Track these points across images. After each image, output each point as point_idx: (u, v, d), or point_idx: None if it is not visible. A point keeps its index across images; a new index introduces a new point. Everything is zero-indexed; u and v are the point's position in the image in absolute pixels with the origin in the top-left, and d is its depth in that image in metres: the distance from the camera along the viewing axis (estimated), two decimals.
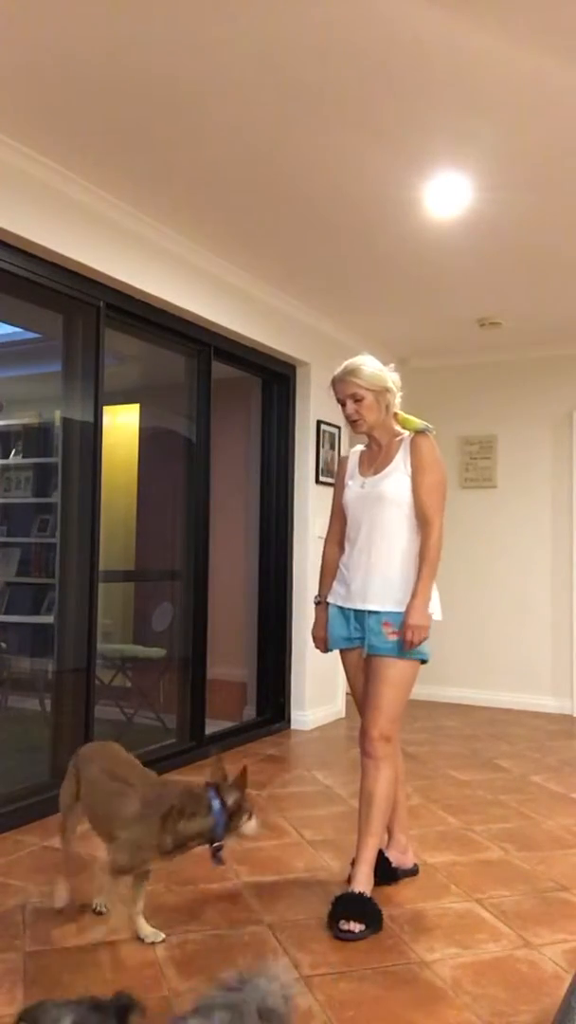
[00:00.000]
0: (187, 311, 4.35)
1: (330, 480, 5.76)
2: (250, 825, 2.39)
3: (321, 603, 2.98)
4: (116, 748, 2.66)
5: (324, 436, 5.70)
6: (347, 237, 4.16)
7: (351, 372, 2.80)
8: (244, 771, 2.40)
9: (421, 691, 6.15)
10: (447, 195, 3.64)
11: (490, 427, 6.50)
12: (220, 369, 4.91)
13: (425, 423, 2.83)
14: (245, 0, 2.39)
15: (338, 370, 2.85)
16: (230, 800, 2.35)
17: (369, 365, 2.81)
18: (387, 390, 2.80)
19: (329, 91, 2.85)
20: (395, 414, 2.86)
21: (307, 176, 3.50)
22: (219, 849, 2.35)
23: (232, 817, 2.34)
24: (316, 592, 3.05)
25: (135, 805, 2.35)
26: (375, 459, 2.87)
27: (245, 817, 2.37)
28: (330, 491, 5.72)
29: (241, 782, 2.39)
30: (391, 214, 3.85)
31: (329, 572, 2.98)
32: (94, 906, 2.62)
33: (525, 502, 6.36)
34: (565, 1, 2.37)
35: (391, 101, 2.90)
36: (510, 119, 3.01)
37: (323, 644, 2.96)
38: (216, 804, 2.33)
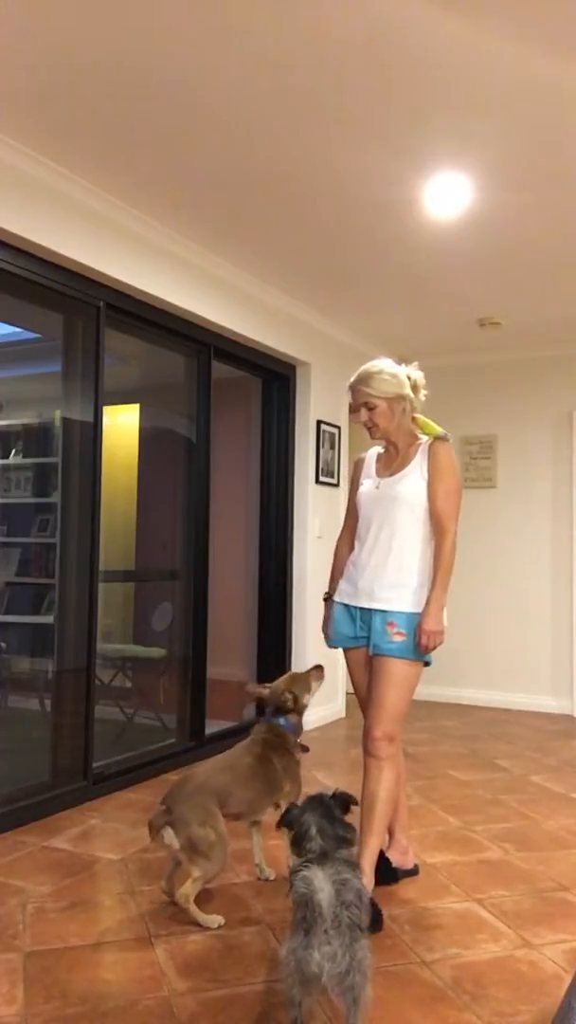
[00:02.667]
0: (187, 311, 4.35)
1: (330, 480, 5.76)
2: (307, 698, 3.01)
3: (329, 599, 3.00)
4: (192, 779, 2.76)
5: (324, 436, 5.70)
6: (347, 237, 4.16)
7: (362, 381, 2.79)
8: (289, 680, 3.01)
9: (421, 691, 6.14)
10: (447, 195, 3.64)
11: (490, 427, 6.50)
12: (220, 369, 4.91)
13: (444, 430, 2.82)
14: (245, 1, 2.39)
15: (352, 377, 2.83)
16: (289, 709, 2.97)
17: (382, 372, 2.78)
18: (401, 397, 2.78)
19: (329, 92, 2.85)
20: (414, 418, 2.85)
21: (307, 176, 3.50)
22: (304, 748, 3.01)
23: (295, 711, 2.97)
24: (325, 590, 3.08)
25: (252, 774, 2.79)
26: (392, 462, 2.87)
27: (301, 698, 2.98)
28: (330, 491, 5.77)
29: (285, 688, 2.98)
30: (391, 214, 3.85)
31: (340, 570, 3.00)
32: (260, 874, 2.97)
33: (525, 502, 6.36)
34: (565, 1, 2.37)
35: (391, 101, 2.90)
36: (510, 119, 3.01)
37: (329, 640, 2.99)
38: (283, 722, 2.94)
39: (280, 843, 3.12)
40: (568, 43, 2.56)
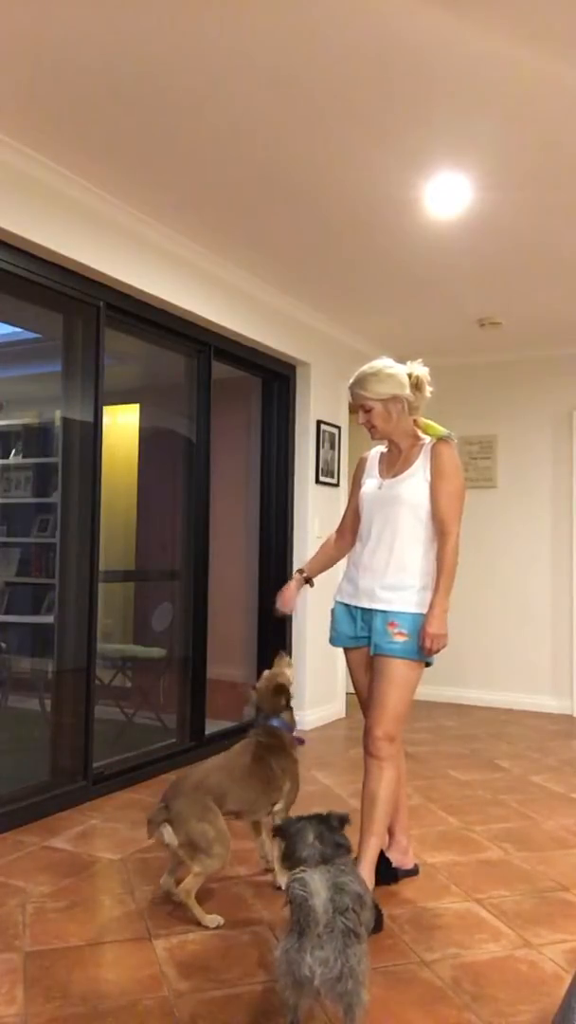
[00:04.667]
0: (187, 311, 4.35)
1: (330, 480, 5.76)
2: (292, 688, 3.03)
3: (299, 576, 3.05)
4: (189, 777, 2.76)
5: (324, 436, 5.70)
6: (347, 237, 4.16)
7: (358, 383, 2.79)
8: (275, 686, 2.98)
9: (421, 691, 6.13)
10: (447, 195, 3.64)
11: (490, 427, 6.50)
12: (220, 369, 4.91)
13: (448, 431, 2.81)
14: (246, 3, 2.39)
15: (351, 379, 2.84)
16: (281, 708, 2.98)
17: (378, 373, 2.77)
18: (397, 397, 2.76)
19: (329, 91, 2.85)
20: (415, 419, 2.85)
21: (307, 176, 3.50)
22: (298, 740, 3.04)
23: (284, 709, 2.99)
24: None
25: (249, 773, 2.79)
26: (395, 462, 2.86)
27: (283, 700, 2.98)
28: (330, 491, 5.77)
29: (268, 691, 2.98)
30: (391, 214, 3.85)
31: (323, 555, 3.08)
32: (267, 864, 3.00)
33: (525, 502, 6.36)
34: (565, 1, 2.37)
35: (391, 101, 2.90)
36: (510, 119, 3.01)
37: (283, 607, 3.02)
38: (279, 723, 2.95)
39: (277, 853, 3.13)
40: (568, 43, 2.56)
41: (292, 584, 3.04)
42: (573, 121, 3.02)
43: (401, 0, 2.37)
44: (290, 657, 3.12)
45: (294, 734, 3.01)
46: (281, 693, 2.97)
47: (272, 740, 2.91)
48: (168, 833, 2.57)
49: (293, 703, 3.05)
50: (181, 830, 2.56)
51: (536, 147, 3.21)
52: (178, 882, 2.64)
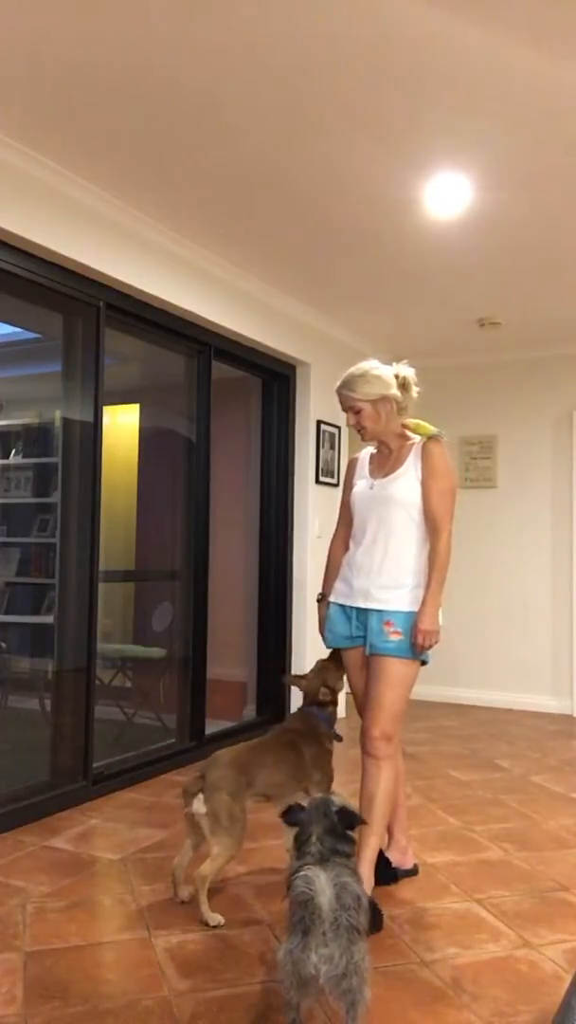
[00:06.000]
0: (187, 311, 4.35)
1: (330, 480, 5.76)
2: (340, 685, 3.08)
3: (324, 599, 3.01)
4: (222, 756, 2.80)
5: (324, 436, 5.70)
6: (347, 237, 4.16)
7: (345, 385, 2.81)
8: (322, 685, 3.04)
9: (421, 691, 6.14)
10: (447, 195, 3.64)
11: (490, 427, 6.50)
12: (220, 369, 4.91)
13: (437, 429, 2.82)
14: (246, 2, 2.39)
15: (338, 382, 2.84)
16: (326, 703, 3.05)
17: (365, 375, 2.78)
18: (385, 398, 2.77)
19: (329, 92, 2.85)
20: (405, 420, 2.85)
21: (307, 176, 3.50)
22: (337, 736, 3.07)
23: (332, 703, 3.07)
24: (319, 591, 3.08)
25: (280, 758, 2.85)
26: (385, 462, 2.87)
27: (328, 694, 3.04)
28: (330, 491, 5.77)
29: (319, 684, 3.05)
30: (391, 214, 3.85)
31: (333, 570, 3.01)
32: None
33: (525, 502, 6.36)
34: (564, 1, 2.37)
35: (391, 101, 2.90)
36: (510, 119, 3.01)
37: (327, 642, 2.99)
38: (320, 715, 3.02)
39: (281, 843, 3.13)
40: (568, 43, 2.56)
41: (321, 614, 3.03)
42: (573, 121, 3.02)
43: (401, 0, 2.37)
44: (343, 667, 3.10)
45: (334, 727, 3.05)
46: (327, 686, 3.03)
47: (307, 727, 2.96)
48: (199, 801, 2.62)
49: (292, 708, 3.07)
50: (211, 799, 2.61)
51: (536, 147, 3.21)
52: (187, 878, 2.66)
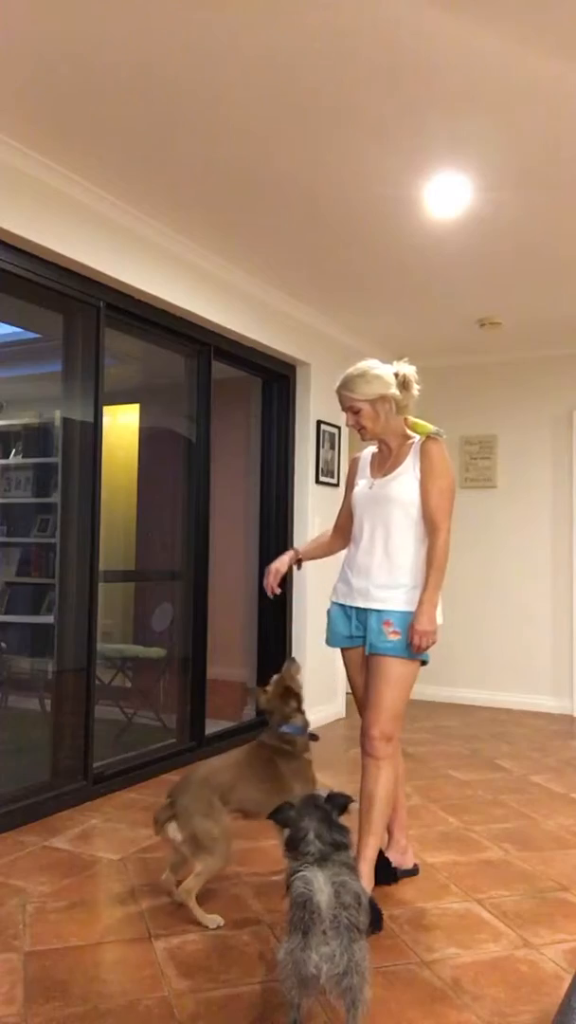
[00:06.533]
0: (187, 311, 4.35)
1: (330, 480, 5.76)
2: (301, 691, 3.01)
3: (293, 552, 3.08)
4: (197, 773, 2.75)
5: (324, 436, 5.70)
6: (347, 237, 4.16)
7: (344, 385, 2.82)
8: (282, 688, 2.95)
9: (421, 691, 6.15)
10: (447, 195, 3.64)
11: (490, 427, 6.50)
12: (220, 369, 4.91)
13: (437, 428, 2.82)
14: (246, 3, 2.39)
15: (338, 382, 2.85)
16: (292, 713, 2.94)
17: (364, 375, 2.78)
18: (384, 397, 2.77)
19: (329, 92, 2.85)
20: (404, 418, 2.85)
21: (307, 176, 3.50)
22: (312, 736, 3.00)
23: (296, 712, 2.95)
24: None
25: (257, 773, 2.79)
26: (385, 461, 2.87)
27: (294, 704, 2.94)
28: (330, 491, 5.77)
29: (278, 697, 2.95)
30: (391, 214, 3.85)
31: (318, 543, 3.14)
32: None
33: (525, 502, 6.36)
34: (564, 1, 2.37)
35: (391, 102, 2.90)
36: (510, 119, 3.01)
37: (272, 577, 3.00)
38: (291, 728, 2.91)
39: (271, 844, 3.12)
40: (568, 43, 2.56)
41: (285, 558, 3.04)
42: (573, 121, 3.02)
43: (401, 1, 2.37)
44: (298, 663, 3.09)
45: (308, 731, 3.00)
46: (290, 697, 2.96)
47: (282, 744, 2.89)
48: (173, 828, 2.58)
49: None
50: (186, 826, 2.57)
51: (536, 147, 3.21)
52: (179, 883, 2.65)
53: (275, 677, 3.04)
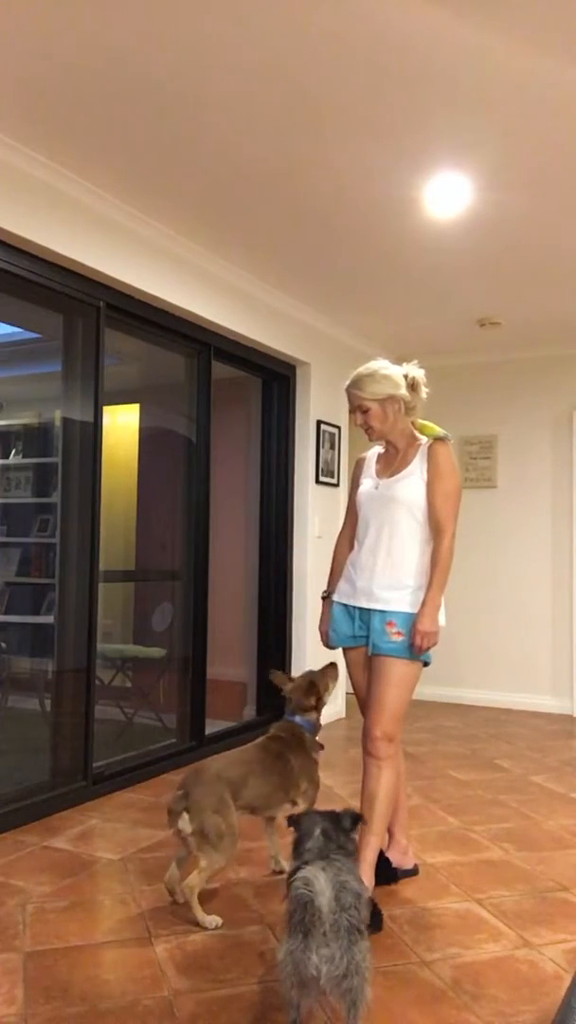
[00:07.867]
0: (187, 311, 4.35)
1: (330, 480, 5.76)
2: (326, 697, 3.05)
3: (327, 598, 3.01)
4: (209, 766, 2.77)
5: (324, 436, 5.70)
6: (347, 237, 4.16)
7: (354, 384, 2.80)
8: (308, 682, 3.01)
9: (421, 691, 6.15)
10: (447, 195, 3.64)
11: (490, 427, 6.50)
12: (220, 369, 4.91)
13: (444, 431, 2.83)
14: (245, 4, 2.39)
15: (347, 380, 2.84)
16: (311, 708, 3.00)
17: (374, 374, 2.78)
18: (393, 398, 2.77)
19: (329, 92, 2.85)
20: (412, 420, 2.85)
21: (307, 177, 3.50)
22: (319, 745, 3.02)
23: (316, 709, 3.01)
24: (324, 589, 3.08)
25: (267, 769, 2.81)
26: (392, 462, 2.87)
27: (313, 700, 2.99)
28: (330, 491, 5.77)
29: (302, 687, 3.00)
30: (391, 214, 3.85)
31: (338, 569, 3.01)
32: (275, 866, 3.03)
33: (525, 502, 6.36)
34: (564, 1, 2.37)
35: (391, 102, 2.90)
36: (510, 119, 3.01)
37: (326, 638, 2.99)
38: (303, 722, 2.96)
39: (282, 842, 3.12)
40: (569, 43, 2.56)
41: (326, 613, 3.01)
42: (573, 121, 3.02)
43: (401, 1, 2.37)
44: (338, 671, 3.10)
45: (316, 738, 3.01)
46: (312, 693, 2.99)
47: (292, 737, 2.92)
48: (184, 820, 2.59)
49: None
50: (196, 818, 2.58)
51: (536, 147, 3.21)
52: (183, 878, 2.65)
53: (307, 670, 3.10)
